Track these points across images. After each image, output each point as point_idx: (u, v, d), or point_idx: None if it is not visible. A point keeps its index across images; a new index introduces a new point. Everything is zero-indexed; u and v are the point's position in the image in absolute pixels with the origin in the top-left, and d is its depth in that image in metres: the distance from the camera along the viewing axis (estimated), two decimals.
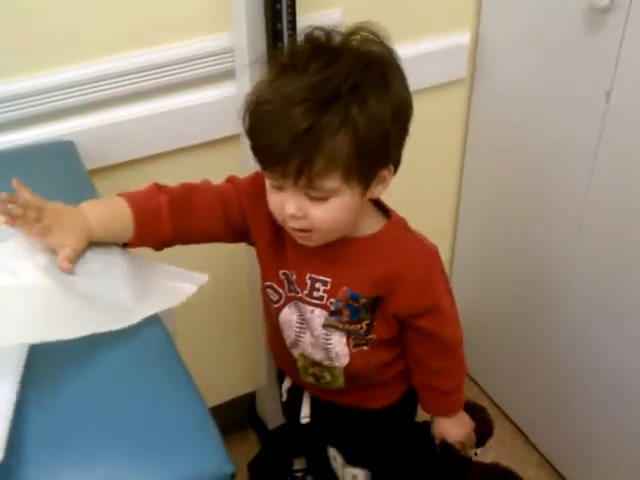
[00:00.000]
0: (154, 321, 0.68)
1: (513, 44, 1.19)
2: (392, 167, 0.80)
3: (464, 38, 1.22)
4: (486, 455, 1.44)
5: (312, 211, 0.76)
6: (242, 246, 0.95)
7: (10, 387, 0.57)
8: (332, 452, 1.09)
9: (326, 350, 0.91)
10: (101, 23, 0.95)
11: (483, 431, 1.11)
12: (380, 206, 0.89)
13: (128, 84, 0.99)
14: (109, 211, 0.77)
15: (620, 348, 1.17)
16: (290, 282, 0.89)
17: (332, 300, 0.87)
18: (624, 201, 1.06)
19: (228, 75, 1.05)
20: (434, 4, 1.17)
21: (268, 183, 0.79)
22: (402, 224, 0.88)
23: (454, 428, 1.03)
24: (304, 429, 1.08)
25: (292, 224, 0.78)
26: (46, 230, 0.68)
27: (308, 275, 0.87)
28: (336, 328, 0.89)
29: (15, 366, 0.59)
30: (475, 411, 1.10)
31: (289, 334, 0.94)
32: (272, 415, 1.44)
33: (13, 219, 0.67)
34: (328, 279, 0.86)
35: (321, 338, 0.90)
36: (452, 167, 1.38)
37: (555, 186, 1.18)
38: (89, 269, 0.70)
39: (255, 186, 0.86)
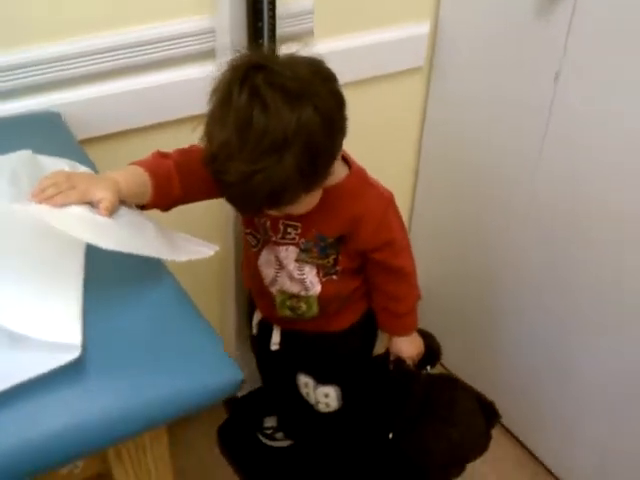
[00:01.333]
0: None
1: (469, 33, 1.29)
2: (337, 156, 0.90)
3: (424, 28, 1.32)
4: None
5: (288, 210, 0.91)
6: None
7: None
8: (302, 379, 1.20)
9: (301, 281, 1.04)
10: (90, 1, 1.00)
11: (431, 354, 1.22)
12: (344, 157, 0.99)
13: (114, 59, 1.04)
14: (131, 175, 0.82)
15: (561, 318, 1.29)
16: (265, 229, 1.01)
17: (302, 240, 1.01)
18: (572, 167, 1.16)
19: (209, 54, 1.11)
20: None
21: None
22: (362, 174, 1.02)
23: (408, 346, 1.16)
24: (273, 360, 1.20)
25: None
26: (83, 192, 0.72)
27: (280, 222, 0.99)
28: (306, 262, 1.03)
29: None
30: (424, 337, 1.21)
31: (268, 273, 1.07)
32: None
33: (53, 199, 0.71)
34: (299, 224, 0.99)
35: (295, 271, 1.04)
36: (410, 149, 1.48)
37: (508, 159, 1.29)
38: (128, 220, 0.76)
39: None
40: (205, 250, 0.80)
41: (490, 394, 1.53)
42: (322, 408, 1.22)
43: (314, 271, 1.05)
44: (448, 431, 1.14)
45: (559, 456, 1.44)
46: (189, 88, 1.12)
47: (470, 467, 1.45)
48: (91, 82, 1.04)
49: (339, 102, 0.86)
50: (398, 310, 1.12)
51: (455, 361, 1.60)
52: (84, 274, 0.69)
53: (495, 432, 1.50)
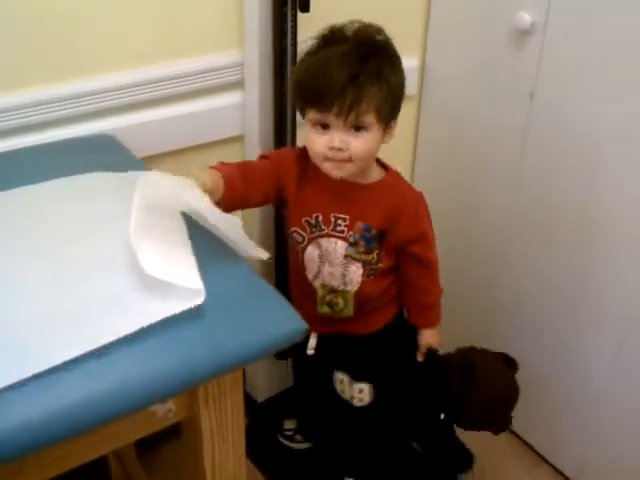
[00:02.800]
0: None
1: (454, 65, 1.49)
2: (396, 122, 1.07)
3: (414, 62, 1.52)
4: None
5: (353, 143, 1.01)
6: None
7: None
8: (338, 376, 1.30)
9: (342, 277, 1.15)
10: (134, 39, 1.16)
11: None
12: (381, 163, 1.15)
13: (157, 90, 1.21)
14: (211, 175, 0.98)
15: (551, 313, 1.44)
16: (313, 225, 1.13)
17: (351, 233, 1.12)
18: (549, 174, 1.34)
19: (236, 85, 1.29)
20: (392, 36, 1.43)
21: (313, 128, 1.03)
22: (396, 174, 1.16)
23: (436, 337, 1.29)
24: (309, 362, 1.30)
25: (336, 156, 1.02)
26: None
27: (332, 215, 1.12)
28: (354, 259, 1.14)
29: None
30: None
31: (312, 267, 1.17)
32: (261, 391, 1.61)
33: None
34: (347, 216, 1.12)
35: (340, 266, 1.14)
36: (404, 167, 1.65)
37: (492, 172, 1.47)
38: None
39: (283, 156, 1.13)
40: (260, 253, 0.94)
41: None
42: (356, 402, 1.31)
43: (360, 271, 1.15)
44: (490, 393, 1.25)
45: (554, 446, 1.55)
46: (220, 115, 1.29)
47: None
48: (137, 109, 1.21)
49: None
50: (428, 302, 1.24)
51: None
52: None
53: None
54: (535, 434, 1.60)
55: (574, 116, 1.26)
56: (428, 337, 1.28)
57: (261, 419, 1.61)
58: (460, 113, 1.50)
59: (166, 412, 0.80)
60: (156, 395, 0.72)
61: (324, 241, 1.14)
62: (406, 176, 1.67)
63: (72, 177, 0.99)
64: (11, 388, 0.65)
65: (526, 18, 1.26)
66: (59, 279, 0.79)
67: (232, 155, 1.34)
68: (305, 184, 1.12)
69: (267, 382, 1.60)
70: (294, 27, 1.19)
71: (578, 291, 1.37)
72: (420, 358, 1.29)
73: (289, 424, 1.58)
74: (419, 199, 1.16)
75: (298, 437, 1.57)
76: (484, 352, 1.29)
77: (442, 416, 1.28)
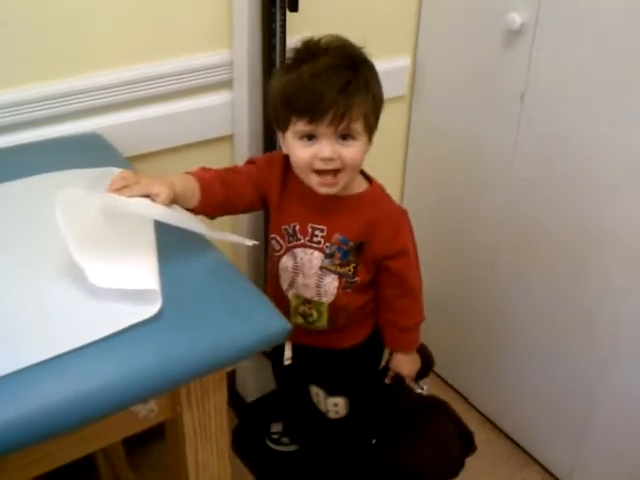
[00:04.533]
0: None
1: (445, 65, 1.49)
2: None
3: (405, 61, 1.52)
4: None
5: (343, 152, 1.00)
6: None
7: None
8: (314, 390, 1.29)
9: (317, 287, 1.13)
10: (122, 38, 1.16)
11: (424, 364, 1.30)
12: (365, 175, 1.13)
13: (146, 89, 1.21)
14: (183, 179, 0.97)
15: (535, 314, 1.45)
16: (290, 235, 1.12)
17: (327, 244, 1.10)
18: (540, 175, 1.34)
19: (225, 85, 1.28)
20: (381, 34, 1.45)
21: (299, 142, 1.01)
22: (380, 189, 1.14)
23: (407, 364, 1.25)
24: (286, 371, 1.27)
25: (326, 166, 1.01)
26: (145, 186, 0.87)
27: (309, 225, 1.10)
28: (330, 271, 1.12)
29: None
30: (419, 348, 1.28)
31: (285, 277, 1.15)
32: (251, 390, 1.62)
33: (121, 191, 0.86)
34: (324, 227, 1.10)
35: (314, 277, 1.13)
36: (395, 168, 1.67)
37: (484, 173, 1.47)
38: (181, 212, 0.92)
39: (270, 162, 1.11)
40: (245, 241, 0.94)
41: (480, 390, 1.68)
42: (332, 415, 1.30)
43: (336, 283, 1.12)
44: (423, 448, 1.20)
45: (545, 446, 1.56)
46: (210, 114, 1.29)
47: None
48: (126, 108, 1.20)
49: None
50: (403, 325, 1.19)
51: (449, 367, 1.74)
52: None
53: (487, 430, 1.64)
54: (525, 434, 1.61)
55: (565, 117, 1.26)
56: (397, 362, 1.24)
57: (249, 420, 1.61)
58: (451, 113, 1.50)
59: (148, 412, 0.80)
60: (135, 396, 0.72)
61: (299, 251, 1.12)
62: (397, 175, 1.71)
63: (44, 175, 0.99)
64: None
65: (516, 19, 1.26)
66: (24, 277, 0.79)
67: (221, 154, 1.34)
68: (288, 192, 1.11)
69: (257, 382, 1.60)
70: (283, 27, 1.19)
71: (567, 306, 1.38)
72: (387, 381, 1.27)
73: (276, 427, 1.59)
74: (402, 216, 1.14)
75: (285, 440, 1.57)
76: (449, 416, 1.25)
77: (373, 441, 1.28)
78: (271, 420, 1.59)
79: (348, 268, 1.11)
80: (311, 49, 1.00)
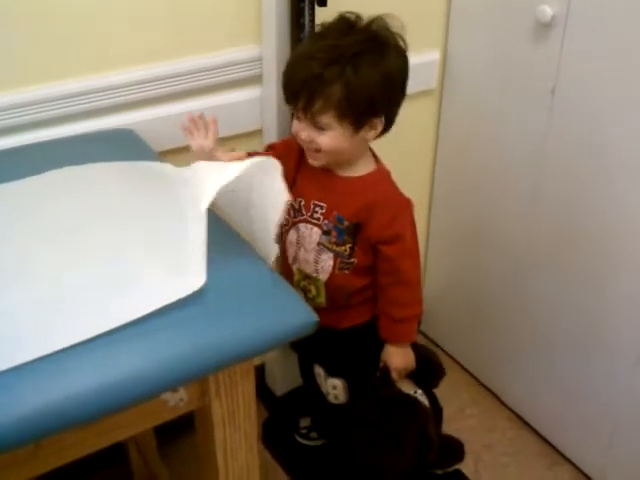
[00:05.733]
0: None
1: (475, 58, 1.48)
2: (383, 118, 1.08)
3: (435, 55, 1.52)
4: (463, 413, 1.68)
5: (317, 138, 1.06)
6: None
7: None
8: (317, 369, 1.31)
9: (315, 263, 1.17)
10: (154, 35, 1.18)
11: (433, 372, 1.31)
12: (376, 157, 1.16)
13: (173, 85, 1.22)
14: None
15: (568, 312, 1.43)
16: (296, 210, 1.17)
17: (325, 222, 1.14)
18: (571, 172, 1.33)
19: (255, 80, 1.29)
20: (411, 28, 1.44)
21: (295, 117, 1.07)
22: (386, 174, 1.16)
23: (397, 357, 1.23)
24: (299, 351, 1.33)
25: (306, 145, 1.09)
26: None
27: (312, 201, 1.15)
28: (327, 248, 1.15)
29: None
30: (427, 355, 1.31)
31: (290, 251, 1.20)
32: (280, 385, 1.62)
33: (190, 132, 1.07)
34: (324, 204, 1.14)
35: (313, 253, 1.16)
36: (426, 161, 1.66)
37: (514, 167, 1.45)
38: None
39: (288, 146, 1.17)
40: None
41: (511, 388, 1.66)
42: (331, 399, 1.31)
43: (331, 262, 1.15)
44: (378, 441, 1.24)
45: (576, 445, 1.54)
46: (239, 109, 1.30)
47: (491, 458, 1.58)
48: (157, 104, 1.22)
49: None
50: (396, 315, 1.18)
51: (479, 364, 1.74)
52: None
53: (517, 427, 1.64)
54: (556, 432, 1.59)
55: (596, 111, 1.24)
56: (387, 352, 1.23)
57: (279, 414, 1.63)
58: (481, 107, 1.49)
59: (177, 401, 0.81)
60: (166, 383, 0.73)
61: (302, 226, 1.16)
62: (427, 168, 1.70)
63: (81, 166, 1.01)
64: (24, 374, 0.67)
65: (547, 11, 1.24)
66: (64, 263, 0.80)
67: (250, 149, 1.33)
68: (300, 171, 1.16)
69: (285, 376, 1.61)
70: (312, 21, 1.19)
71: (600, 302, 1.36)
72: (378, 373, 1.26)
73: (304, 422, 1.60)
74: (403, 204, 1.14)
75: (313, 434, 1.58)
76: (415, 421, 1.25)
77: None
78: (300, 415, 1.60)
79: (344, 248, 1.14)
80: (321, 30, 1.05)
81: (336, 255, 1.15)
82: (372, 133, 1.09)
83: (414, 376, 1.28)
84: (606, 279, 1.33)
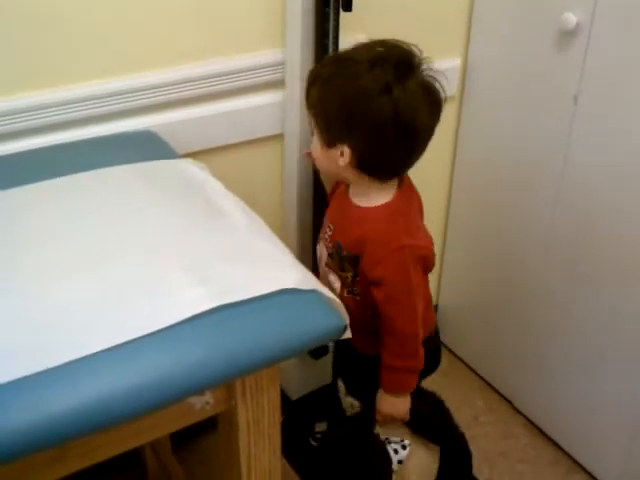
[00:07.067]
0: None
1: (496, 65, 1.48)
2: (347, 147, 1.01)
3: (456, 62, 1.52)
4: (478, 421, 1.67)
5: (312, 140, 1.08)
6: None
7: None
8: (340, 383, 1.31)
9: (327, 283, 1.14)
10: (178, 38, 1.18)
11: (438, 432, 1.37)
12: (398, 191, 1.09)
13: (196, 88, 1.22)
14: None
15: (585, 320, 1.42)
16: (322, 227, 1.17)
17: (330, 245, 1.13)
18: (593, 180, 1.32)
19: (277, 84, 1.29)
20: (433, 34, 1.45)
21: None
22: (393, 211, 1.07)
23: (385, 403, 1.16)
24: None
25: None
26: None
27: (328, 222, 1.15)
28: (331, 269, 1.14)
29: None
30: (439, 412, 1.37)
31: (320, 265, 1.19)
32: (295, 389, 1.62)
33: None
34: (333, 227, 1.13)
35: (325, 271, 1.16)
36: (444, 167, 1.66)
37: (535, 176, 1.45)
38: None
39: None
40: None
41: (526, 395, 1.65)
42: (349, 414, 1.32)
43: (337, 283, 1.13)
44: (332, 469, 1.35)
45: (592, 453, 1.53)
46: (261, 113, 1.30)
47: (506, 466, 1.58)
48: (180, 106, 1.22)
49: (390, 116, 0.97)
50: (386, 361, 1.12)
51: (494, 372, 1.73)
52: None
53: (532, 435, 1.63)
54: (571, 440, 1.58)
55: (620, 120, 1.24)
56: (378, 395, 1.17)
57: (294, 418, 1.62)
58: (501, 114, 1.49)
59: (204, 404, 0.81)
60: (193, 387, 0.73)
61: (320, 243, 1.18)
62: (445, 175, 1.69)
63: (107, 168, 1.01)
64: (54, 376, 0.67)
65: (571, 19, 1.24)
66: (97, 265, 0.81)
67: (272, 153, 1.35)
68: (335, 189, 1.17)
69: (301, 380, 1.61)
70: (336, 26, 1.19)
71: (616, 312, 1.35)
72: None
73: (320, 427, 1.59)
74: (394, 249, 1.04)
75: None
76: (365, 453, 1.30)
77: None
78: (315, 419, 1.60)
79: (346, 275, 1.11)
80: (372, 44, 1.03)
81: (341, 279, 1.12)
82: (342, 160, 1.02)
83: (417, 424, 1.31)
84: (626, 289, 1.32)
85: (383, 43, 1.01)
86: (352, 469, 1.30)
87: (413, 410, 1.21)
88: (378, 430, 1.35)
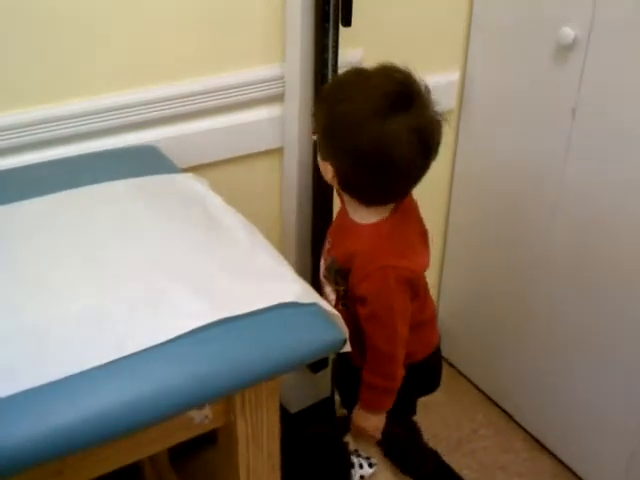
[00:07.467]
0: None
1: (494, 79, 1.49)
2: (330, 165, 1.04)
3: (454, 76, 1.53)
4: (477, 434, 1.67)
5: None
6: None
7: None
8: (337, 393, 1.33)
9: (325, 292, 1.16)
10: (178, 53, 1.18)
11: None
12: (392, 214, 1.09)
13: (196, 103, 1.22)
14: None
15: (586, 334, 1.42)
16: (327, 240, 1.19)
17: (328, 257, 1.15)
18: (591, 192, 1.33)
19: (277, 98, 1.30)
20: (432, 49, 1.46)
21: None
22: (383, 231, 1.08)
23: (359, 418, 1.19)
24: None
25: None
26: None
27: (329, 236, 1.18)
28: (328, 281, 1.15)
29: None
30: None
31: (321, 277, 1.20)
32: (294, 402, 1.62)
33: None
34: (331, 240, 1.17)
35: (324, 280, 1.18)
36: (443, 180, 1.67)
37: (533, 189, 1.45)
38: None
39: None
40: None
41: (526, 409, 1.65)
42: None
43: (333, 295, 1.14)
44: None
45: (593, 468, 1.52)
46: (261, 127, 1.31)
47: None
48: (181, 121, 1.23)
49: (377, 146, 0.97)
50: (364, 376, 1.13)
51: (492, 384, 1.73)
52: None
53: (531, 448, 1.63)
54: (572, 453, 1.57)
55: (618, 133, 1.24)
56: (354, 411, 1.20)
57: (292, 431, 1.61)
58: (499, 126, 1.50)
59: (203, 418, 0.81)
60: (194, 400, 0.74)
61: (322, 257, 1.20)
62: (444, 188, 1.69)
63: (108, 183, 1.02)
64: (54, 390, 0.67)
65: (569, 33, 1.25)
66: (98, 279, 0.81)
67: (271, 167, 1.36)
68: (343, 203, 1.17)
69: (299, 393, 1.60)
70: (335, 41, 1.20)
71: (617, 320, 1.35)
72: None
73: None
74: (378, 268, 1.04)
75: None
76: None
77: None
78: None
79: (338, 288, 1.13)
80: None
81: (335, 291, 1.14)
82: (328, 176, 1.06)
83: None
84: (627, 301, 1.32)
85: (392, 70, 1.02)
86: (312, 466, 1.35)
87: (388, 433, 1.23)
88: (349, 440, 1.38)
